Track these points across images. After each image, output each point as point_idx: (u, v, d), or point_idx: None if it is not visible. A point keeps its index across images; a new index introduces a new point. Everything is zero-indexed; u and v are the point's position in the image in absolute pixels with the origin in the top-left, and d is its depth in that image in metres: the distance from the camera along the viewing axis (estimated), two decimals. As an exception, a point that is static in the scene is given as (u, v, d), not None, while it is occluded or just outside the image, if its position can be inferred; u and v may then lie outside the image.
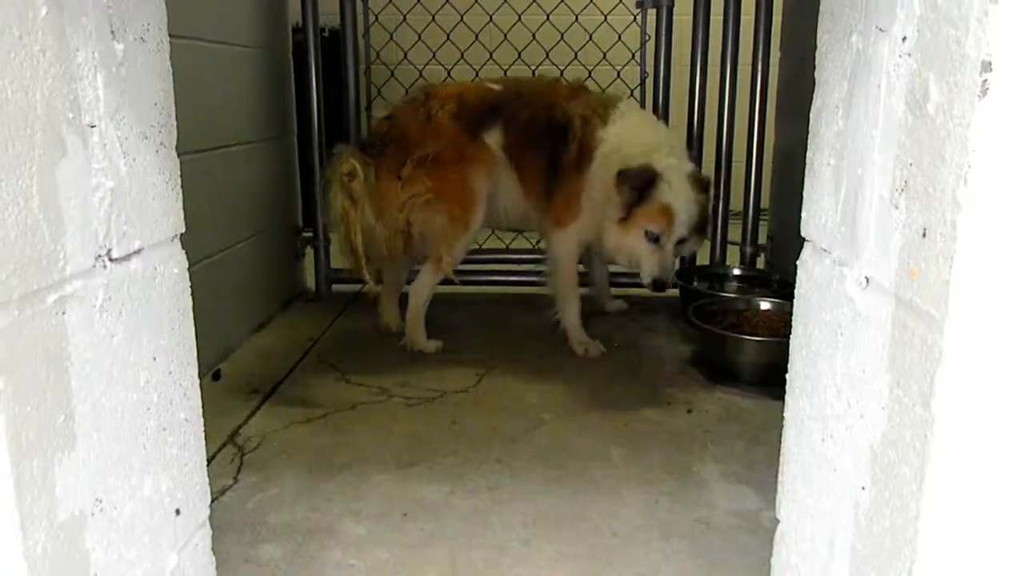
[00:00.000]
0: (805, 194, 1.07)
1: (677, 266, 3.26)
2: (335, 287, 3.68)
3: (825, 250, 1.00)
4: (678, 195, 2.62)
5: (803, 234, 1.08)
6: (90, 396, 0.91)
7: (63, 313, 0.86)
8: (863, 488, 0.88)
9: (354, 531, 1.82)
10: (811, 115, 1.05)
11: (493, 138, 2.86)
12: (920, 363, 0.75)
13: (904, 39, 0.80)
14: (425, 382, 2.66)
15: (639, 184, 2.60)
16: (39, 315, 0.83)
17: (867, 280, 0.88)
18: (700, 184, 2.71)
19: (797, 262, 1.10)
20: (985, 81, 0.66)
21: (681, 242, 2.71)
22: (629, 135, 2.74)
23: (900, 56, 0.80)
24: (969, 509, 0.74)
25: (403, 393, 2.58)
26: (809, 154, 1.06)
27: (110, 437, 0.95)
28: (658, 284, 2.67)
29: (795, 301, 1.11)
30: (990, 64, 0.66)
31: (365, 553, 1.73)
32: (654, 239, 2.63)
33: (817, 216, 1.03)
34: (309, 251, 3.66)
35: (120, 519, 0.97)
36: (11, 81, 0.78)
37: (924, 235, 0.75)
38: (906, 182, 0.79)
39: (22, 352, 0.80)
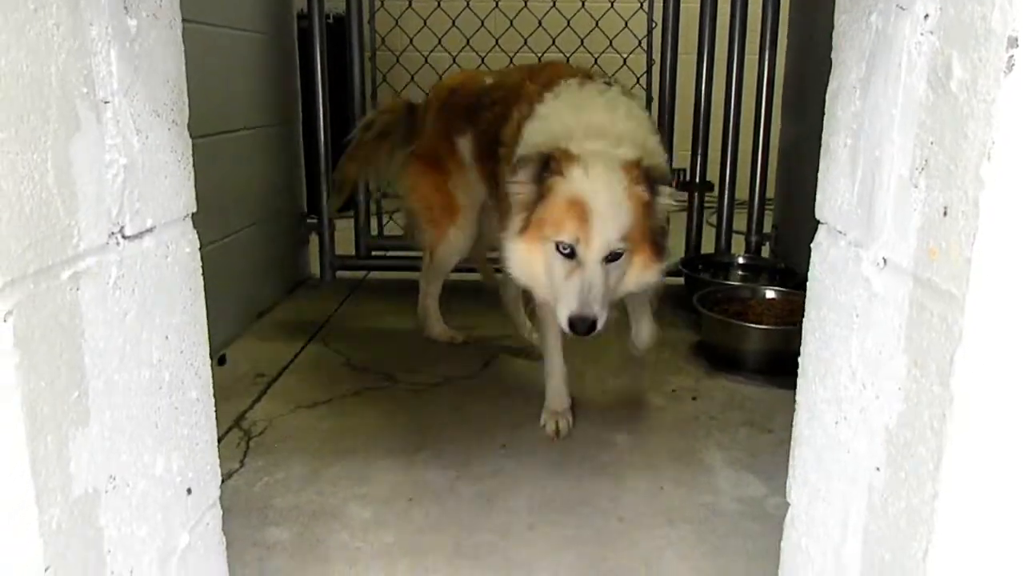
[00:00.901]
0: (820, 176, 1.07)
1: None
2: (339, 273, 3.68)
3: (840, 232, 1.00)
4: (596, 182, 1.76)
5: (817, 216, 1.08)
6: (103, 373, 0.91)
7: (77, 289, 0.86)
8: (878, 469, 0.88)
9: (360, 515, 1.82)
10: (827, 96, 1.05)
11: (463, 144, 2.51)
12: (939, 342, 0.75)
13: (926, 16, 0.79)
14: (430, 368, 2.66)
15: (535, 172, 1.82)
16: (53, 290, 0.82)
17: (884, 261, 0.88)
18: (642, 174, 1.81)
19: (811, 245, 1.10)
20: (1011, 57, 0.65)
21: (614, 258, 1.79)
22: (551, 123, 1.98)
23: (922, 34, 0.80)
24: (988, 488, 0.73)
25: (408, 379, 2.58)
26: (824, 136, 1.06)
27: (123, 415, 0.95)
28: (576, 323, 1.75)
29: (808, 284, 1.11)
30: (1016, 40, 0.65)
31: (371, 536, 1.74)
32: (567, 252, 1.78)
33: (832, 198, 1.02)
34: (314, 238, 3.66)
35: (133, 497, 0.97)
36: (26, 54, 0.78)
37: (945, 213, 0.74)
38: (926, 161, 0.78)
39: (37, 327, 0.80)
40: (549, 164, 1.80)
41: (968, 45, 0.71)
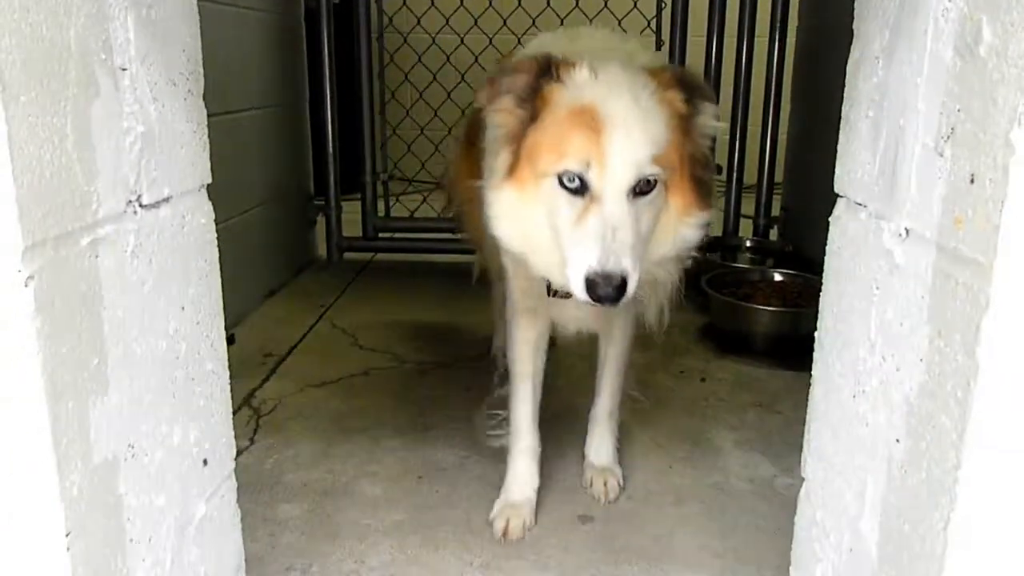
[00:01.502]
0: (840, 148, 1.06)
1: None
2: (346, 255, 3.67)
3: (861, 204, 0.99)
4: (611, 83, 1.30)
5: (836, 189, 1.07)
6: (122, 341, 0.91)
7: (96, 256, 0.86)
8: (897, 441, 0.88)
9: (370, 492, 1.83)
10: (848, 67, 1.04)
11: None
12: (964, 311, 0.75)
13: (954, -18, 0.78)
14: (438, 349, 2.66)
15: (524, 88, 1.33)
16: (73, 257, 0.82)
17: (906, 231, 0.87)
18: (674, 79, 1.34)
19: (829, 219, 1.09)
20: (1045, 19, 0.64)
21: (644, 190, 1.27)
22: (536, 49, 1.57)
23: (950, 0, 0.79)
24: (1013, 458, 0.73)
25: (416, 359, 2.58)
26: (844, 108, 1.05)
27: (141, 384, 0.95)
28: (598, 283, 1.21)
29: (826, 258, 1.11)
30: (1050, 2, 0.64)
31: (381, 513, 1.74)
32: (575, 186, 1.27)
33: (853, 170, 1.02)
34: (321, 219, 3.65)
35: (151, 466, 0.97)
36: (45, 17, 0.77)
37: (972, 181, 0.74)
38: (953, 128, 0.78)
39: (57, 293, 0.79)
40: (534, 70, 1.32)
41: (999, 9, 0.70)
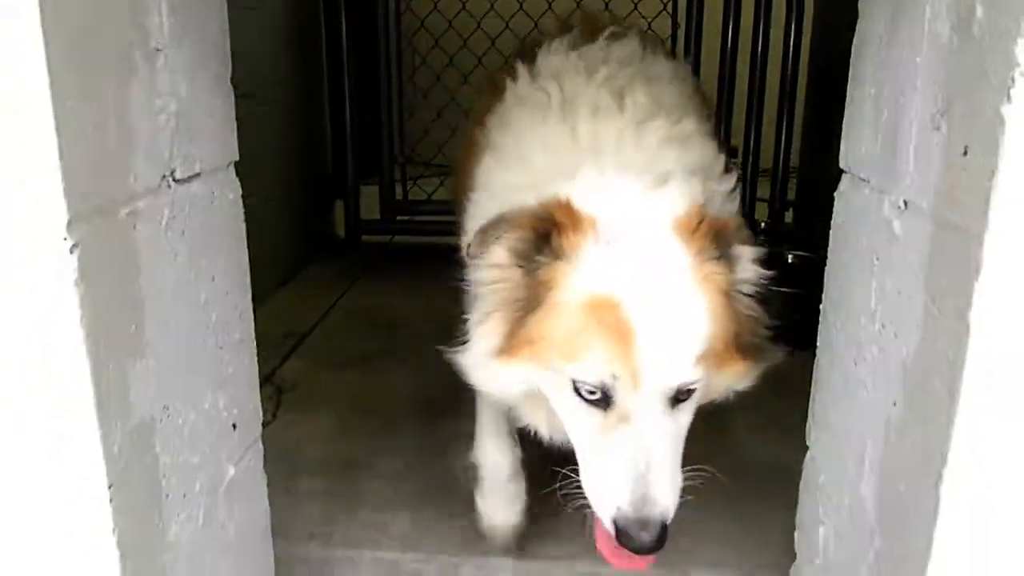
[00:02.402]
0: (844, 126, 1.09)
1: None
2: (365, 237, 3.73)
3: (864, 179, 1.03)
4: (634, 273, 1.01)
5: (841, 165, 1.10)
6: (157, 309, 0.96)
7: (134, 228, 0.91)
8: (894, 404, 0.92)
9: (389, 465, 1.88)
10: (852, 48, 1.07)
11: None
12: (957, 278, 0.78)
13: (952, -38, 0.81)
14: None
15: (521, 252, 1.08)
16: (113, 228, 0.87)
17: (905, 204, 0.91)
18: (709, 235, 1.05)
19: (835, 194, 1.13)
20: (1033, -3, 0.67)
21: (685, 396, 1.05)
22: (523, 148, 1.25)
23: (947, -21, 0.82)
24: (1002, 416, 0.77)
25: (433, 338, 2.62)
26: (849, 87, 1.08)
27: (174, 350, 1.00)
28: (630, 530, 0.99)
29: (831, 232, 1.14)
30: (1038, -20, 0.67)
31: (400, 485, 1.80)
32: (595, 398, 1.03)
33: (857, 147, 1.05)
34: (339, 202, 3.70)
35: (185, 427, 1.03)
36: (88, 5, 0.82)
37: (965, 153, 0.77)
38: (948, 103, 0.81)
39: (99, 261, 0.85)
40: (543, 238, 1.04)
41: (991, -13, 0.73)
